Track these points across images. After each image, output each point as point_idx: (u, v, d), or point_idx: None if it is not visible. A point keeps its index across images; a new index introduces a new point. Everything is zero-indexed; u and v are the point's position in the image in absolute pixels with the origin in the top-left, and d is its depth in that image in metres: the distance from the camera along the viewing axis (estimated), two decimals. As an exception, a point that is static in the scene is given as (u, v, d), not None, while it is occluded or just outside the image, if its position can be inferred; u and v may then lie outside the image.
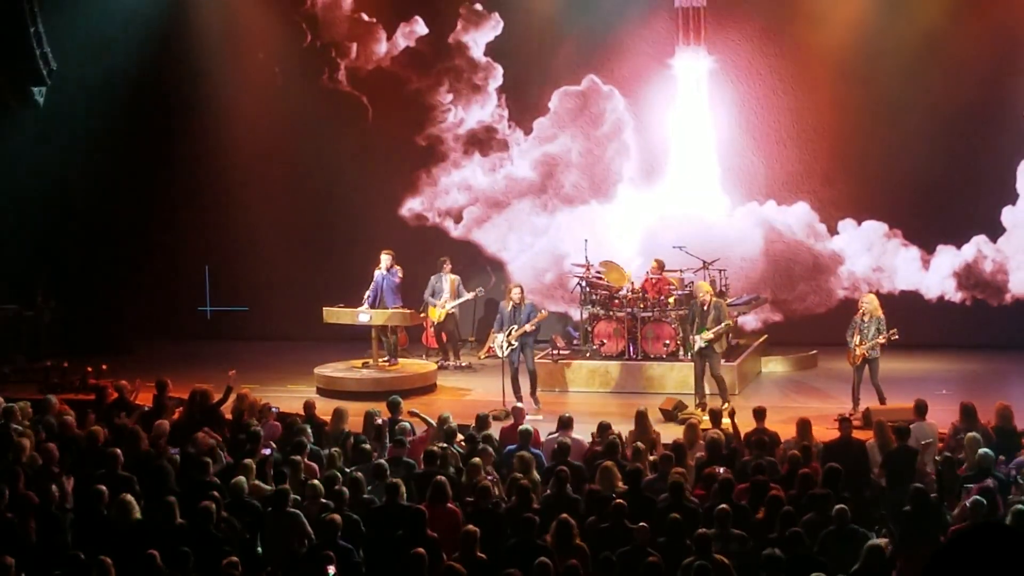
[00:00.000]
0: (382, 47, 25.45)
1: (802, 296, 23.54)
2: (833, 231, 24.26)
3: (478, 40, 25.11)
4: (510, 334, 20.49)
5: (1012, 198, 23.49)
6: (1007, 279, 23.76)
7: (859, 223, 24.16)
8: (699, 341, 19.94)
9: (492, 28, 25.04)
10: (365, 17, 25.43)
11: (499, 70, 25.15)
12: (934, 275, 24.05)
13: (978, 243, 23.81)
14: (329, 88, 25.65)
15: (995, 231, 23.65)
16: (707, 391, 19.95)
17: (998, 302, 23.86)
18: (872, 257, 24.20)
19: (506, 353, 20.63)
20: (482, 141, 25.42)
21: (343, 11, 25.44)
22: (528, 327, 20.49)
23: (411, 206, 25.70)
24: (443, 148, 25.49)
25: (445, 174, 25.55)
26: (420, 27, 25.30)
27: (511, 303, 20.72)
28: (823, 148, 24.13)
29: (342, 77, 25.63)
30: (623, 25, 24.35)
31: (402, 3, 25.33)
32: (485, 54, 25.12)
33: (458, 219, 25.55)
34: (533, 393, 20.60)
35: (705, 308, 19.99)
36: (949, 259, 23.97)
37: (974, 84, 23.12)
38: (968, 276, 23.95)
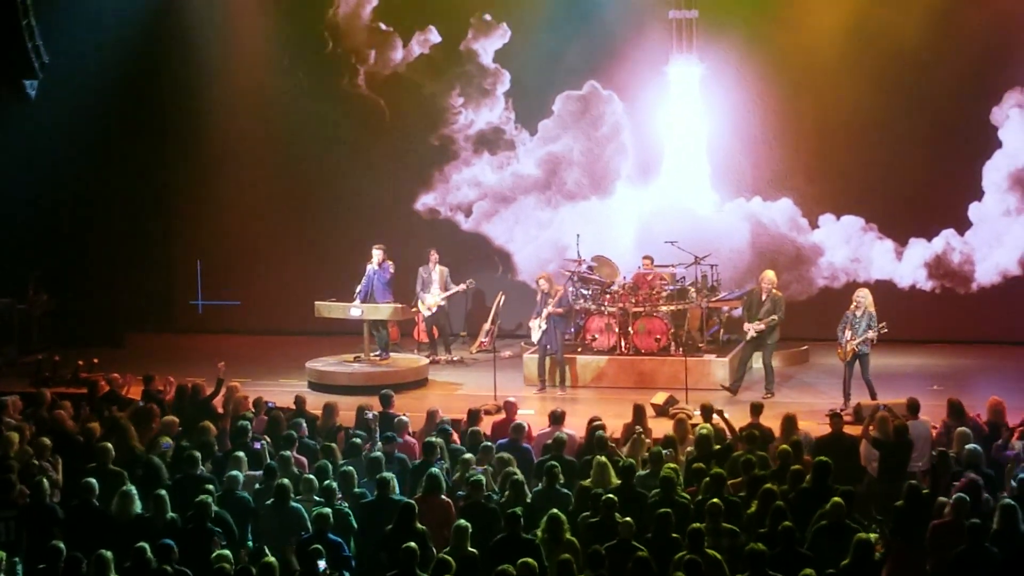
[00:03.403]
0: (398, 54, 24.61)
1: (785, 285, 22.38)
2: (814, 225, 23.60)
3: (487, 48, 24.31)
4: (539, 323, 19.93)
5: (978, 195, 22.91)
6: (973, 269, 23.13)
7: (838, 218, 23.50)
8: (751, 330, 18.53)
9: (500, 37, 24.25)
10: (383, 26, 24.60)
11: (507, 75, 24.35)
12: (907, 265, 23.35)
13: (947, 236, 23.15)
14: (349, 92, 24.73)
15: (962, 225, 23.06)
16: (744, 379, 19.38)
17: (965, 291, 23.20)
18: (850, 249, 23.51)
19: (536, 337, 19.94)
20: (491, 141, 24.62)
21: (362, 21, 24.61)
22: (551, 310, 19.25)
23: (425, 201, 24.82)
24: (455, 147, 24.68)
25: (456, 171, 24.73)
26: (434, 36, 24.49)
27: (540, 292, 19.94)
28: (805, 149, 23.42)
29: (361, 82, 24.73)
30: (621, 35, 23.52)
31: (417, 13, 24.50)
32: (494, 61, 24.34)
33: (468, 213, 24.75)
34: (561, 382, 19.65)
35: (763, 298, 18.60)
36: (920, 251, 23.28)
37: (944, 91, 22.51)
38: (938, 266, 23.26)
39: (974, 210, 22.88)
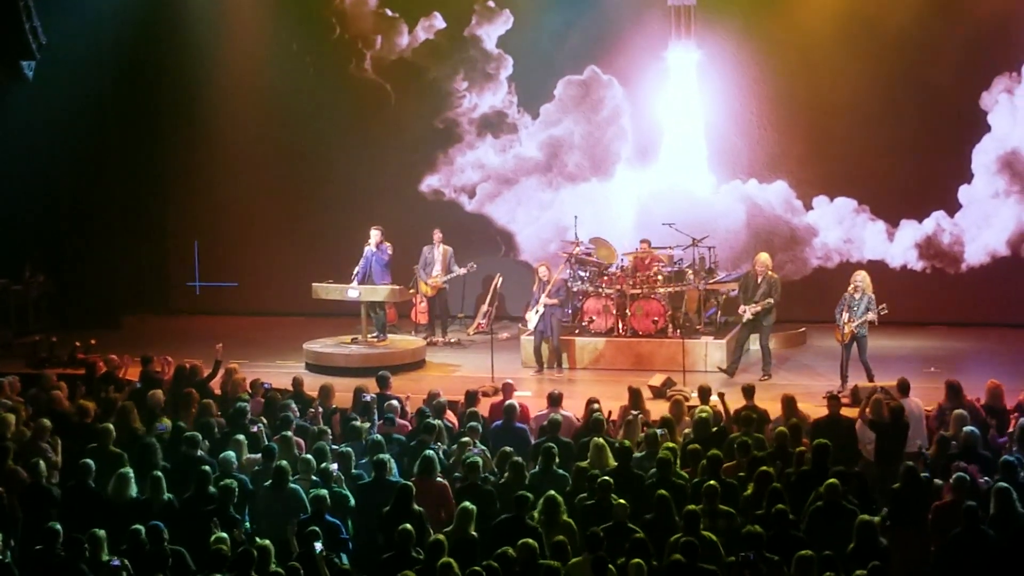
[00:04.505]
0: (404, 39, 24.19)
1: (780, 265, 22.06)
2: (808, 206, 23.24)
3: (491, 33, 23.91)
4: (536, 309, 19.39)
5: (967, 178, 22.57)
6: (963, 250, 22.79)
7: (831, 199, 23.12)
8: (747, 312, 17.81)
9: (503, 23, 23.84)
10: (389, 12, 24.20)
11: (509, 61, 23.96)
12: (898, 246, 22.99)
13: (937, 218, 22.80)
14: (355, 76, 24.28)
15: (952, 207, 22.72)
16: (741, 362, 18.89)
17: (954, 271, 22.88)
18: (843, 230, 23.14)
19: (533, 325, 19.41)
20: (494, 124, 24.20)
21: (369, 7, 24.18)
22: (547, 300, 18.59)
23: (430, 183, 24.42)
24: (459, 131, 24.27)
25: (460, 154, 24.32)
26: (438, 22, 24.10)
27: (539, 280, 19.24)
28: (799, 132, 23.08)
29: (368, 66, 24.29)
30: (621, 21, 23.19)
31: (422, 0, 24.15)
32: (497, 46, 23.95)
33: (472, 195, 24.35)
34: (558, 364, 19.18)
35: (758, 281, 17.90)
36: (911, 232, 22.93)
37: (935, 77, 22.11)
38: (928, 247, 22.91)
39: (964, 192, 22.56)
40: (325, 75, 24.16)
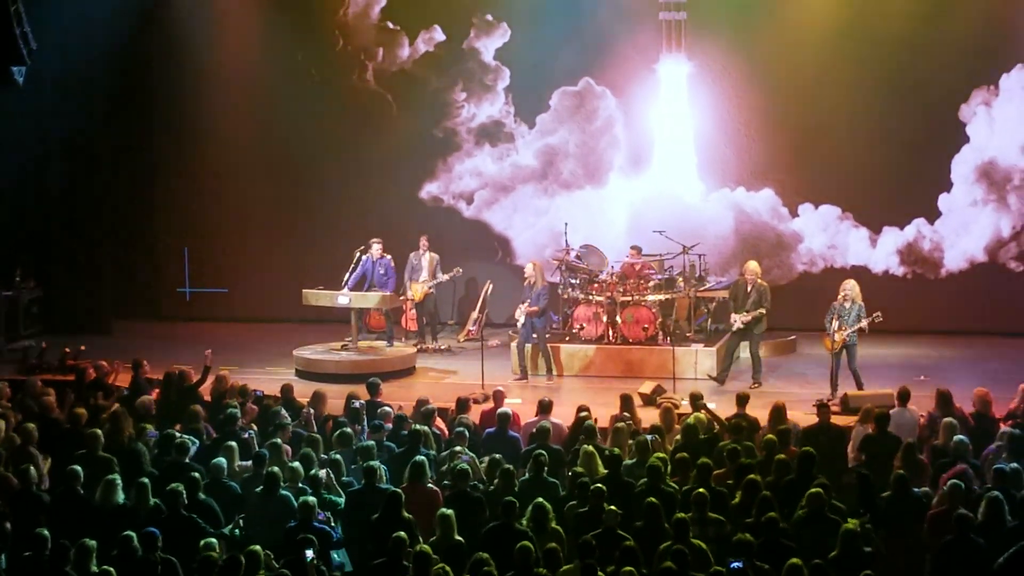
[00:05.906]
0: (405, 51, 23.86)
1: (767, 270, 21.64)
2: (794, 214, 23.03)
3: (489, 46, 23.62)
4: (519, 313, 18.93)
5: (947, 187, 22.37)
6: (942, 256, 22.56)
7: (816, 207, 22.85)
8: (737, 321, 17.09)
9: (501, 36, 23.55)
10: (390, 25, 23.87)
11: (507, 72, 23.68)
12: (880, 252, 22.71)
13: (918, 225, 22.53)
14: (358, 87, 23.97)
15: (932, 215, 22.49)
16: (731, 369, 18.45)
17: (934, 276, 22.65)
18: (827, 236, 22.88)
19: (519, 325, 18.96)
20: (491, 134, 23.90)
21: (371, 20, 23.87)
22: (528, 308, 17.74)
23: (429, 189, 24.09)
24: (457, 139, 23.98)
25: (459, 162, 24.00)
26: (438, 34, 23.77)
27: (525, 280, 18.20)
28: (786, 142, 22.78)
29: (370, 77, 23.97)
30: (614, 35, 22.89)
31: (423, 13, 23.84)
32: (495, 58, 23.67)
33: (470, 201, 24.01)
34: (548, 371, 18.08)
35: (748, 289, 17.18)
36: (893, 238, 22.66)
37: (916, 89, 21.90)
38: (909, 253, 22.65)
39: (943, 200, 22.36)
40: (328, 85, 23.83)
